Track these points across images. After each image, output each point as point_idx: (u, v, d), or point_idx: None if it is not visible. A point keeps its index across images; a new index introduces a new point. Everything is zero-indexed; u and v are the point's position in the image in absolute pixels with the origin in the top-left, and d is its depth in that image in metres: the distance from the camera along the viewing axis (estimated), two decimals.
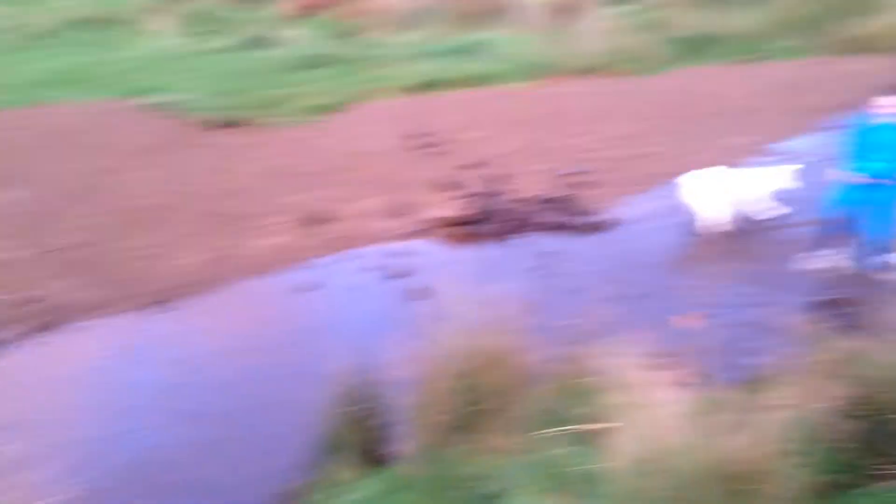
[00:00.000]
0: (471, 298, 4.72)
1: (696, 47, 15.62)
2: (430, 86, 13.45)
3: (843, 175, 6.73)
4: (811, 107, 12.21)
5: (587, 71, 14.43)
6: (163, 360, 6.23)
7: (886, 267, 6.91)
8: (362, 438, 4.69)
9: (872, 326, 4.47)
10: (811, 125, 11.43)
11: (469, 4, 17.34)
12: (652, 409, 3.35)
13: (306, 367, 5.68)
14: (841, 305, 6.42)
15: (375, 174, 9.67)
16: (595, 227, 8.19)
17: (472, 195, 8.89)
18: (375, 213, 8.64)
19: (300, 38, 16.01)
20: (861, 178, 6.59)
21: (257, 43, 15.88)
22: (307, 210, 8.61)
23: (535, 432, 4.16)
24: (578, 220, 8.33)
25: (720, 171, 8.15)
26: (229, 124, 11.47)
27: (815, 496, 3.50)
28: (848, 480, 3.68)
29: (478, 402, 4.57)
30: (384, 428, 4.88)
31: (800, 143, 10.77)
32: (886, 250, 6.88)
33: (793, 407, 3.49)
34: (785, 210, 8.12)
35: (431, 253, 7.82)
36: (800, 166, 8.03)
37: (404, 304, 6.75)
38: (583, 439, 3.93)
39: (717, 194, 7.95)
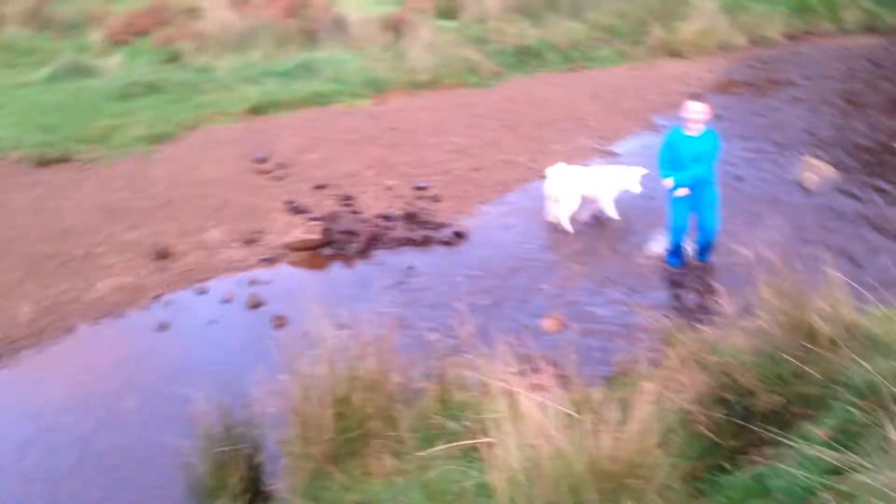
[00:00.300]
0: (334, 322, 4.63)
1: (525, 58, 16.11)
2: (265, 108, 13.12)
3: (667, 185, 7.09)
4: (637, 109, 12.88)
5: (422, 86, 14.56)
6: (9, 415, 5.74)
7: (711, 257, 7.37)
8: (239, 478, 4.49)
9: (720, 314, 4.72)
10: (639, 126, 12.06)
11: (298, 24, 17.11)
12: (526, 416, 3.37)
13: (170, 410, 5.40)
14: (689, 297, 6.77)
15: (218, 202, 9.33)
16: (450, 239, 8.24)
17: (323, 217, 8.73)
18: (224, 242, 8.34)
19: (122, 66, 15.32)
20: (681, 191, 6.98)
21: (75, 72, 14.99)
22: (150, 245, 8.19)
23: (420, 451, 4.12)
24: (432, 233, 8.37)
25: (581, 167, 8.50)
26: (52, 161, 10.75)
27: (687, 482, 3.64)
28: (717, 463, 3.84)
29: (357, 426, 4.48)
30: (262, 465, 4.71)
31: (633, 143, 11.32)
32: (714, 243, 7.32)
33: (659, 399, 3.61)
34: (629, 209, 8.50)
35: (287, 279, 7.62)
36: (643, 168, 8.39)
37: (266, 334, 6.51)
38: (468, 453, 3.92)
39: (580, 188, 8.30)
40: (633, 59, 16.57)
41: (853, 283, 4.25)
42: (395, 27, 16.67)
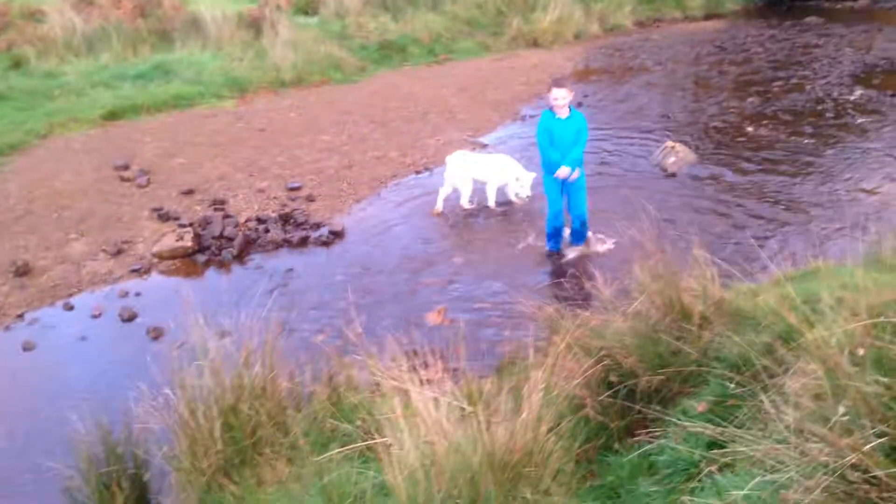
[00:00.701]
0: (214, 330, 4.51)
1: (389, 53, 16.15)
2: (122, 113, 12.57)
3: (563, 174, 7.15)
4: (504, 100, 13.15)
5: (287, 84, 14.37)
6: None
7: (586, 242, 7.59)
8: (125, 499, 4.29)
9: (601, 299, 4.86)
10: (508, 117, 12.30)
11: (149, 24, 16.45)
12: (420, 413, 3.38)
13: (45, 434, 5.13)
14: (571, 283, 6.92)
15: (80, 213, 8.86)
16: (327, 239, 8.15)
17: (193, 223, 8.45)
18: (89, 254, 7.94)
19: None
20: (563, 173, 7.08)
21: None
22: (9, 262, 7.68)
23: (315, 456, 4.06)
24: (309, 233, 8.25)
25: (478, 153, 8.58)
26: None
27: (580, 465, 3.75)
28: (607, 444, 3.97)
29: (247, 436, 4.37)
30: (149, 483, 4.52)
31: (503, 133, 11.53)
32: (587, 225, 7.52)
33: (548, 386, 3.69)
34: (521, 195, 8.62)
35: (161, 289, 7.33)
36: (533, 173, 8.46)
37: (143, 347, 6.25)
38: (364, 455, 3.89)
39: (473, 172, 8.50)
40: (495, 50, 16.92)
41: (719, 261, 4.47)
42: (254, 25, 16.32)
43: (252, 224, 8.51)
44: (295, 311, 6.70)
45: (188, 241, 7.99)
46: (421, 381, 3.63)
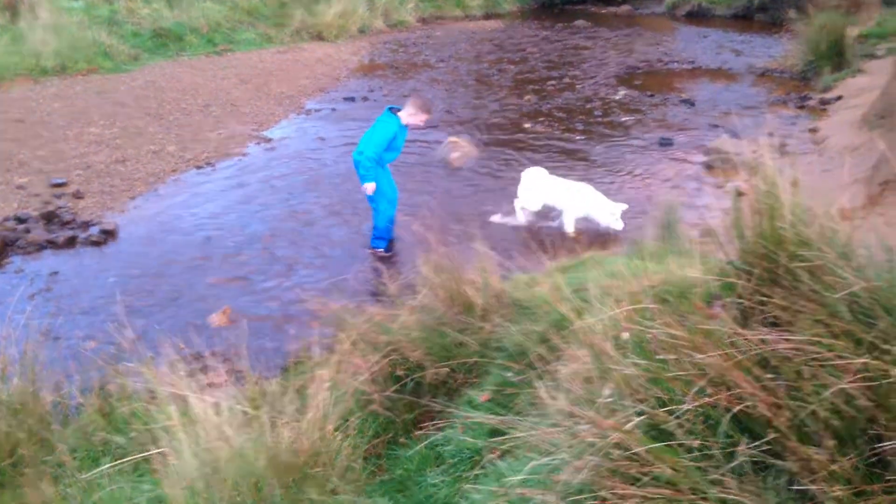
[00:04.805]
0: None
1: (165, 41, 15.39)
2: None
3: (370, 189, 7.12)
4: (289, 93, 12.92)
5: (49, 72, 13.28)
6: None
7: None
8: None
9: (387, 294, 4.87)
10: (293, 111, 12.08)
11: None
12: (200, 419, 3.24)
13: None
14: (357, 280, 6.86)
15: None
16: (98, 238, 7.60)
17: None
18: None
19: None
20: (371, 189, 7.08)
21: None
22: None
23: (83, 472, 3.77)
24: (77, 233, 7.66)
25: (557, 178, 8.10)
26: None
27: (368, 461, 3.74)
28: (395, 439, 3.99)
29: (5, 456, 4.00)
30: None
31: (288, 128, 11.30)
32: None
33: (334, 384, 3.65)
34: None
35: None
36: (624, 204, 7.96)
37: None
38: (139, 468, 3.67)
39: (544, 196, 8.04)
40: (279, 42, 16.62)
41: (500, 253, 4.62)
42: (10, 7, 14.99)
43: (10, 224, 7.77)
44: (61, 317, 6.20)
45: None
46: (201, 387, 3.47)
